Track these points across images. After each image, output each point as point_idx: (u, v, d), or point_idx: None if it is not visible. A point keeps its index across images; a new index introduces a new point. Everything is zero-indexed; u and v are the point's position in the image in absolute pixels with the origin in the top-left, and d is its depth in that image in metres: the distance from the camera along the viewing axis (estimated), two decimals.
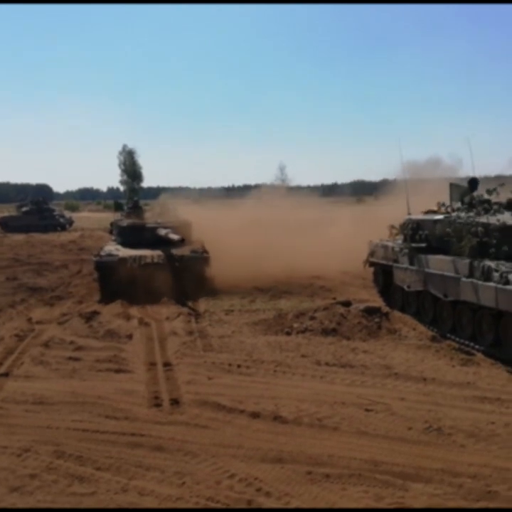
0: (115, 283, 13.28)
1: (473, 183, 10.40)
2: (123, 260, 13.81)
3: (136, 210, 18.35)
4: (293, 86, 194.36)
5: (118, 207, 20.09)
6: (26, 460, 5.39)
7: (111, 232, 18.71)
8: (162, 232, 14.92)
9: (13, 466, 5.26)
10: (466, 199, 9.97)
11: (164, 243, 14.57)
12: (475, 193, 10.13)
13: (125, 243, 15.28)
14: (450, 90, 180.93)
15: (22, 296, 14.19)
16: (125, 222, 16.47)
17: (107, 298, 13.13)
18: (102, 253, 14.51)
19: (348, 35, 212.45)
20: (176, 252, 14.18)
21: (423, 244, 10.30)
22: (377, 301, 11.89)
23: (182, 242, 14.01)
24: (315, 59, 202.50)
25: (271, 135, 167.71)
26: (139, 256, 13.97)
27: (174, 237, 14.21)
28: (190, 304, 12.50)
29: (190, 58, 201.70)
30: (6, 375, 7.99)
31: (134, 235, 15.41)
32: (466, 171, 11.51)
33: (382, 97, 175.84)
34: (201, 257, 14.21)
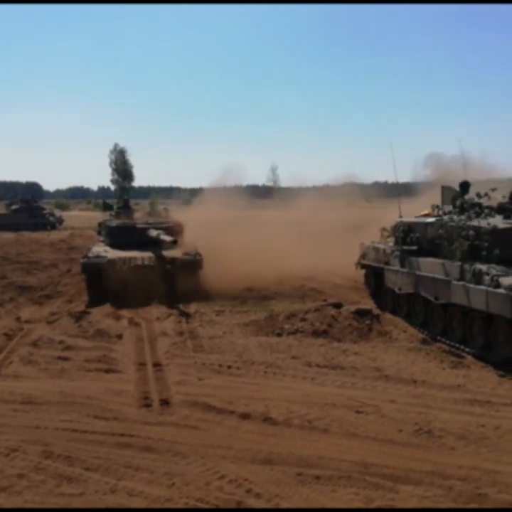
0: (103, 286, 12.70)
1: (465, 186, 10.44)
2: (112, 262, 13.15)
3: (125, 209, 17.51)
4: (284, 86, 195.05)
5: (106, 207, 19.22)
6: (14, 460, 5.34)
7: (99, 233, 17.88)
8: (153, 233, 14.27)
9: (0, 466, 5.20)
10: (458, 202, 10.00)
11: (155, 245, 13.96)
12: (467, 196, 10.17)
13: (114, 244, 14.57)
14: (449, 93, 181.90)
15: (11, 294, 14.06)
16: (114, 223, 15.78)
17: (95, 301, 12.59)
18: (90, 254, 13.82)
19: (346, 36, 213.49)
20: (167, 254, 13.61)
21: (414, 247, 10.33)
22: (368, 303, 11.91)
23: (175, 243, 13.33)
24: (313, 60, 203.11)
25: (262, 136, 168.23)
26: (129, 258, 13.33)
27: (167, 238, 13.52)
28: (181, 306, 12.13)
29: (185, 58, 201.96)
30: None
31: (123, 236, 14.74)
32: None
33: (378, 99, 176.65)
34: (194, 260, 13.58)
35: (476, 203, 9.74)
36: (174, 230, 14.68)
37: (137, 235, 14.63)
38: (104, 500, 4.62)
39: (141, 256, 13.46)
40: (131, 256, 13.44)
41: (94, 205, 70.41)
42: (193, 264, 13.47)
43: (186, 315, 11.38)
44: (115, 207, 18.66)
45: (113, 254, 13.68)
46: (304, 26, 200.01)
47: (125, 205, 17.87)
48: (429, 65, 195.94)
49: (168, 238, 13.47)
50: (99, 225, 17.83)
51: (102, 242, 15.60)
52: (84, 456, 5.39)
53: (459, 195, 10.24)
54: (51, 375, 7.90)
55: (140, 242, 14.23)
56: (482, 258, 8.59)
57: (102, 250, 14.14)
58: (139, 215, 18.08)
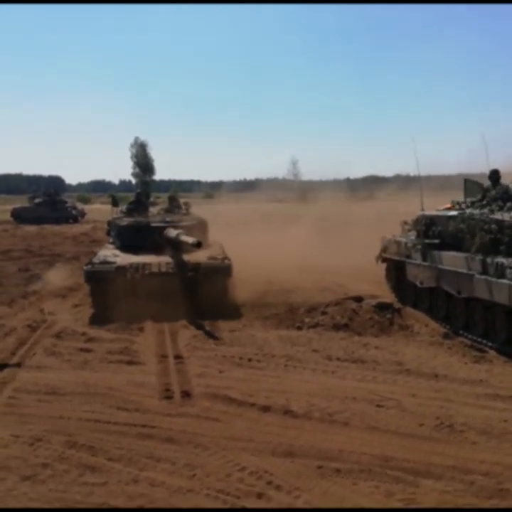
0: (111, 298, 10.59)
1: (495, 174, 10.20)
2: (121, 269, 11.01)
3: (138, 205, 14.61)
4: (305, 80, 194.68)
5: (116, 202, 15.86)
6: (38, 449, 5.42)
7: (108, 234, 15.01)
8: (172, 233, 11.88)
9: (25, 455, 5.29)
10: (493, 193, 9.73)
11: (174, 247, 11.81)
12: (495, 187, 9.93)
13: (125, 247, 12.32)
14: (463, 85, 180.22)
15: (34, 286, 14.26)
16: (125, 221, 13.18)
17: (101, 317, 10.53)
18: (95, 260, 11.62)
19: (360, 28, 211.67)
20: (189, 258, 11.47)
21: (436, 241, 10.24)
22: (389, 297, 11.84)
23: (198, 246, 10.91)
24: (328, 53, 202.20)
25: (282, 129, 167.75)
26: (142, 264, 11.18)
27: (189, 239, 11.10)
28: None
29: (205, 52, 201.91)
30: (18, 365, 8.06)
31: (135, 237, 12.36)
32: None
33: (394, 92, 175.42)
34: (222, 266, 11.35)
35: (499, 196, 9.60)
36: (197, 229, 12.53)
37: (152, 235, 12.27)
38: (127, 490, 4.67)
39: (158, 261, 11.36)
40: (146, 261, 11.33)
41: None
42: (220, 270, 11.31)
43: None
44: (126, 202, 15.84)
45: (123, 259, 11.59)
46: (315, 20, 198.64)
47: (138, 200, 14.98)
48: (442, 59, 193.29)
49: (189, 239, 11.13)
50: (108, 223, 15.13)
51: (111, 244, 13.34)
52: (106, 446, 5.46)
53: (490, 187, 10.03)
54: (74, 366, 8.00)
55: (156, 245, 11.99)
56: (502, 252, 8.49)
57: (111, 254, 12.00)
58: (155, 212, 15.23)
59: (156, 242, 12.08)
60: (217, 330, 9.78)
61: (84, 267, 11.49)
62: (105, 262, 11.41)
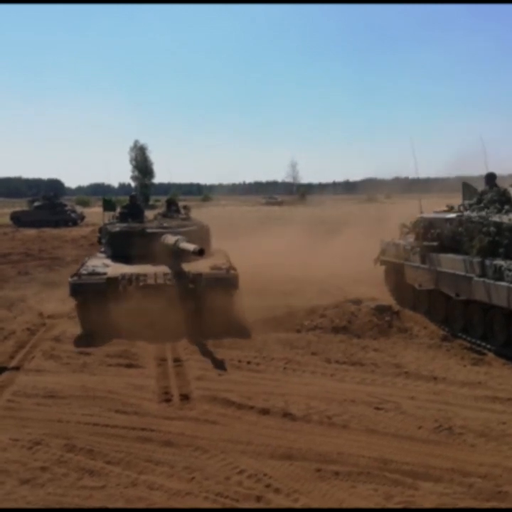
0: (101, 314, 9.45)
1: (491, 177, 10.23)
2: (112, 281, 9.80)
3: (133, 209, 13.21)
4: (304, 83, 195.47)
5: (108, 205, 14.11)
6: (37, 453, 5.42)
7: (100, 242, 13.50)
8: (170, 239, 10.62)
9: (24, 459, 5.29)
10: (489, 196, 9.74)
11: (173, 256, 10.51)
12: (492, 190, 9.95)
13: (117, 256, 11.09)
14: (463, 88, 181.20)
15: (33, 290, 14.26)
16: (117, 227, 11.88)
17: (89, 335, 9.48)
18: (83, 271, 10.30)
19: (360, 31, 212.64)
20: (189, 268, 10.24)
21: (435, 243, 10.24)
22: (388, 300, 11.84)
23: (200, 253, 9.64)
24: (326, 56, 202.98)
25: (281, 132, 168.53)
26: (137, 274, 9.98)
27: (189, 246, 9.82)
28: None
29: (203, 55, 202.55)
30: (17, 368, 8.06)
31: (129, 245, 11.01)
32: None
33: (394, 94, 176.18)
34: (226, 277, 10.05)
35: (497, 199, 9.60)
36: (198, 236, 11.33)
37: (148, 242, 10.92)
38: (125, 494, 4.67)
39: (154, 271, 10.15)
40: (140, 272, 10.11)
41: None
42: (224, 281, 10.00)
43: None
44: (119, 206, 14.11)
45: (115, 269, 10.33)
46: (314, 21, 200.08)
47: (132, 204, 13.48)
48: (443, 62, 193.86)
49: (190, 246, 9.83)
50: (100, 230, 13.70)
51: (103, 253, 12.13)
52: (105, 449, 5.46)
53: (487, 190, 10.05)
54: (73, 369, 7.99)
55: (152, 253, 10.70)
56: (501, 254, 8.49)
57: (100, 264, 10.73)
58: (152, 216, 13.68)
59: (152, 249, 10.79)
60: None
61: (70, 279, 10.06)
62: (94, 273, 10.16)
